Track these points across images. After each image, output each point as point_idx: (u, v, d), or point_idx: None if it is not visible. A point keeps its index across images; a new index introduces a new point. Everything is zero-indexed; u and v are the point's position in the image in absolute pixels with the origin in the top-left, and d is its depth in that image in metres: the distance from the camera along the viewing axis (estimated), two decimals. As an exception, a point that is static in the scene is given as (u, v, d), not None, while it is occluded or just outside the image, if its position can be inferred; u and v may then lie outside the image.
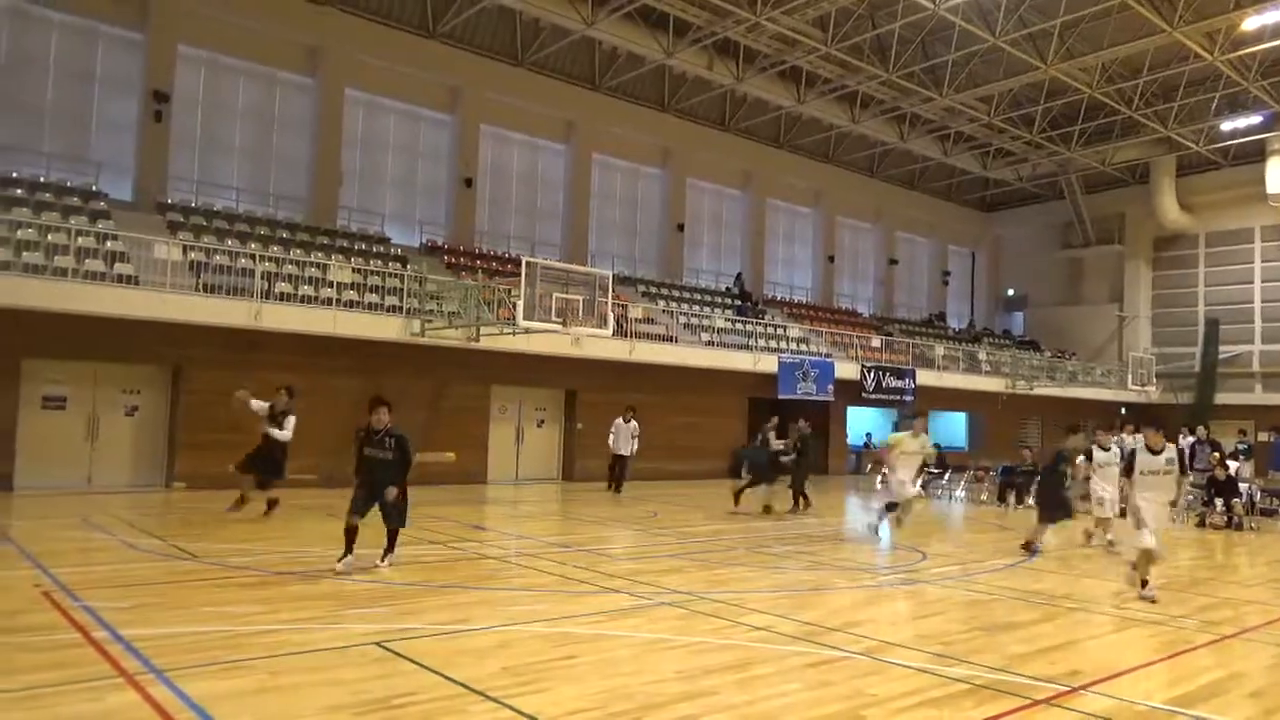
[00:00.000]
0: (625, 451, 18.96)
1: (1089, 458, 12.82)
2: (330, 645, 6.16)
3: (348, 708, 4.81)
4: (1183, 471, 9.17)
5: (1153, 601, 8.52)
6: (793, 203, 33.65)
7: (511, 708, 4.90)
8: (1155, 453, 8.98)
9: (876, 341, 29.84)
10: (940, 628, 7.32)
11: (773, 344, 26.09)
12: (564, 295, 16.87)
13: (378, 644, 6.11)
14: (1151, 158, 34.15)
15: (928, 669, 5.97)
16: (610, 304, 18.04)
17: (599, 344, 19.69)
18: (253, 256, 17.49)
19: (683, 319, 25.22)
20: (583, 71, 27.32)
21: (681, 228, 29.80)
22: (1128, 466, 9.16)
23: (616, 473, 18.94)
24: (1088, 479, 12.89)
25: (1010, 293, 42.07)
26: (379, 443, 8.83)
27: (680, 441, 22.73)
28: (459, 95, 24.97)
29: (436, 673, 5.53)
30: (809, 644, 6.58)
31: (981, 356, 32.02)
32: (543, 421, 22.25)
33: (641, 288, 26.55)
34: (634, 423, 19.05)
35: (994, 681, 5.73)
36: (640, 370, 21.90)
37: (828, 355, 26.51)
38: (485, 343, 18.82)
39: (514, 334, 18.03)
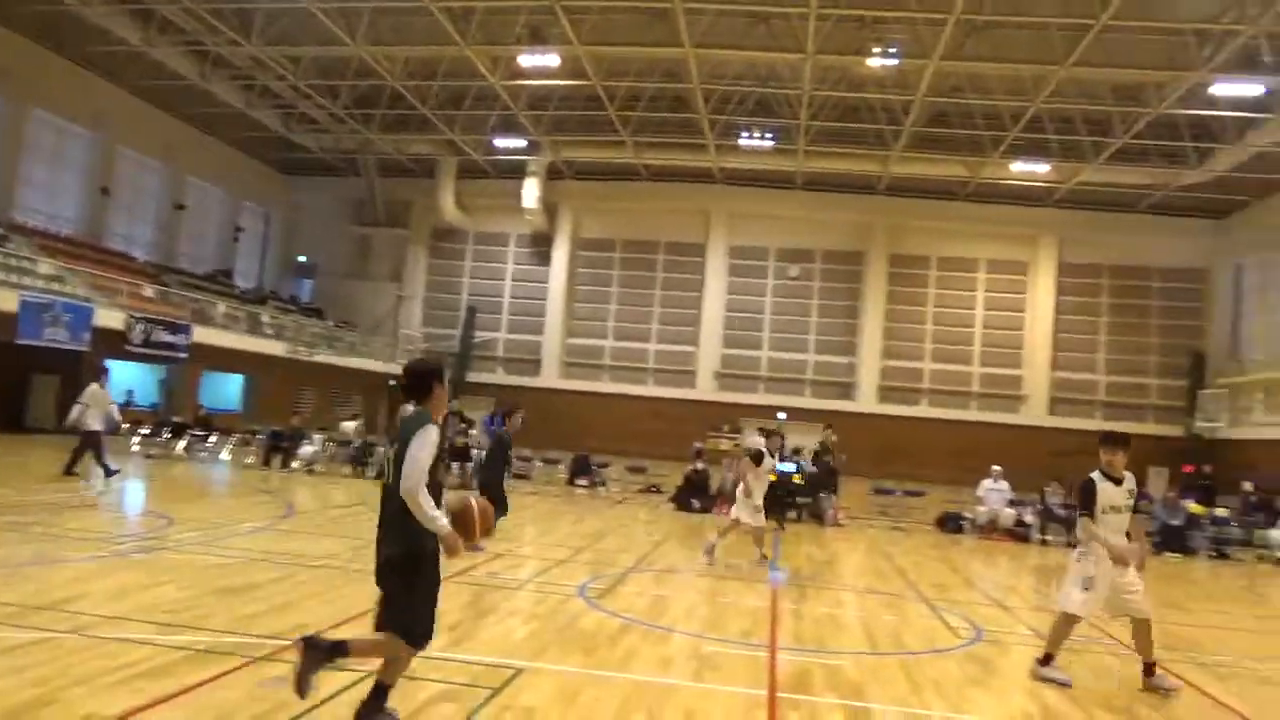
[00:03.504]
0: (98, 426, 14.10)
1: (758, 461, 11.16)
2: None
3: None
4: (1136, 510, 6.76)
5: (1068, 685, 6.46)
6: (66, 118, 28.86)
7: None
8: (1117, 482, 6.58)
9: (150, 290, 27.33)
10: (170, 596, 7.00)
11: (15, 278, 22.01)
12: None
13: None
14: (438, 156, 37.69)
15: (149, 640, 5.65)
16: None
17: None
18: None
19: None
20: None
21: (-105, 115, 23.31)
22: (1088, 502, 6.50)
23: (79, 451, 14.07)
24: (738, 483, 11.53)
25: (302, 259, 42.43)
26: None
27: None
28: None
29: None
30: (5, 628, 5.70)
31: (265, 319, 31.65)
32: None
33: None
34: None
35: (217, 644, 5.69)
36: None
37: (87, 299, 23.37)
38: None
39: None
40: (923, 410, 37.02)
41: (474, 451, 18.53)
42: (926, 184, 36.04)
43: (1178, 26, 22.70)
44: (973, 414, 36.56)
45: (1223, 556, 16.48)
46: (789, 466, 17.93)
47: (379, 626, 4.46)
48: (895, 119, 30.34)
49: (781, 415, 35.11)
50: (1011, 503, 17.52)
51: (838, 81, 28.23)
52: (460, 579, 8.65)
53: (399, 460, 4.23)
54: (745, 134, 31.75)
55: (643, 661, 6.24)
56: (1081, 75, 25.34)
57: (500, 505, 10.30)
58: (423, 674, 5.44)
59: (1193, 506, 17.66)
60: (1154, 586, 12.71)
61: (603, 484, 20.17)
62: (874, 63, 24.85)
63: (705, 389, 38.72)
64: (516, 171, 37.70)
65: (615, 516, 15.65)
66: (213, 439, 20.97)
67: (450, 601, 7.61)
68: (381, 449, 7.19)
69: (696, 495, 17.38)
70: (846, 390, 38.25)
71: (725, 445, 29.80)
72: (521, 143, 34.67)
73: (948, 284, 38.58)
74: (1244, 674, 7.26)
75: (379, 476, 4.47)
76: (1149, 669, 6.50)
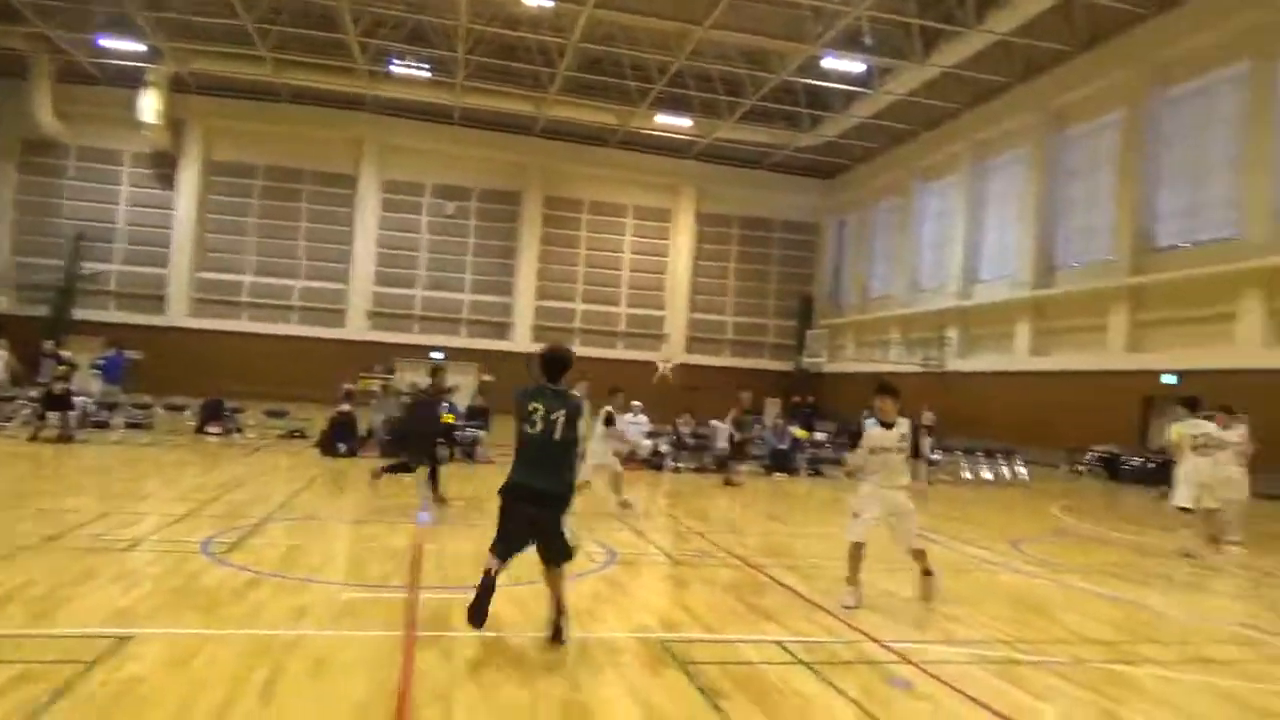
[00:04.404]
0: None
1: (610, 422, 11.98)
2: None
3: None
4: (915, 454, 7.48)
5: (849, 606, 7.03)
6: None
7: None
8: (888, 427, 7.31)
9: None
10: None
11: None
12: None
13: None
14: (29, 52, 31.96)
15: None
16: None
17: None
18: None
19: None
20: None
21: None
22: (852, 443, 7.56)
23: None
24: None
25: None
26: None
27: None
28: None
29: None
30: None
31: None
32: None
33: None
34: None
35: None
36: None
37: None
38: None
39: None
40: (575, 349, 38.47)
41: (77, 400, 16.26)
42: (580, 129, 37.04)
43: (798, 1, 25.12)
44: (620, 353, 38.67)
45: (819, 474, 19.06)
46: (441, 406, 17.82)
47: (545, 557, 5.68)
48: (551, 62, 30.72)
49: (437, 355, 34.73)
50: (649, 434, 18.83)
51: (493, 17, 27.93)
52: (58, 542, 7.61)
53: (569, 424, 5.64)
54: (398, 61, 30.47)
55: (272, 615, 5.91)
56: (718, 38, 27.29)
57: (431, 459, 11.18)
58: (-5, 655, 4.72)
59: (797, 431, 20.18)
60: (763, 504, 14.40)
61: (238, 430, 18.71)
62: (530, 2, 24.89)
63: (356, 328, 37.22)
64: (132, 80, 33.09)
65: (251, 465, 14.59)
66: None
67: (38, 569, 6.67)
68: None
69: (343, 438, 16.72)
70: (502, 330, 38.73)
71: (377, 386, 28.82)
72: (137, 47, 30.43)
73: (599, 228, 40.21)
74: (826, 573, 8.45)
75: (544, 429, 5.62)
76: (929, 573, 7.46)
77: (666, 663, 5.37)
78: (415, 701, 4.51)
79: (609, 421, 11.97)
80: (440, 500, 11.10)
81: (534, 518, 5.60)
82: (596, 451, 11.70)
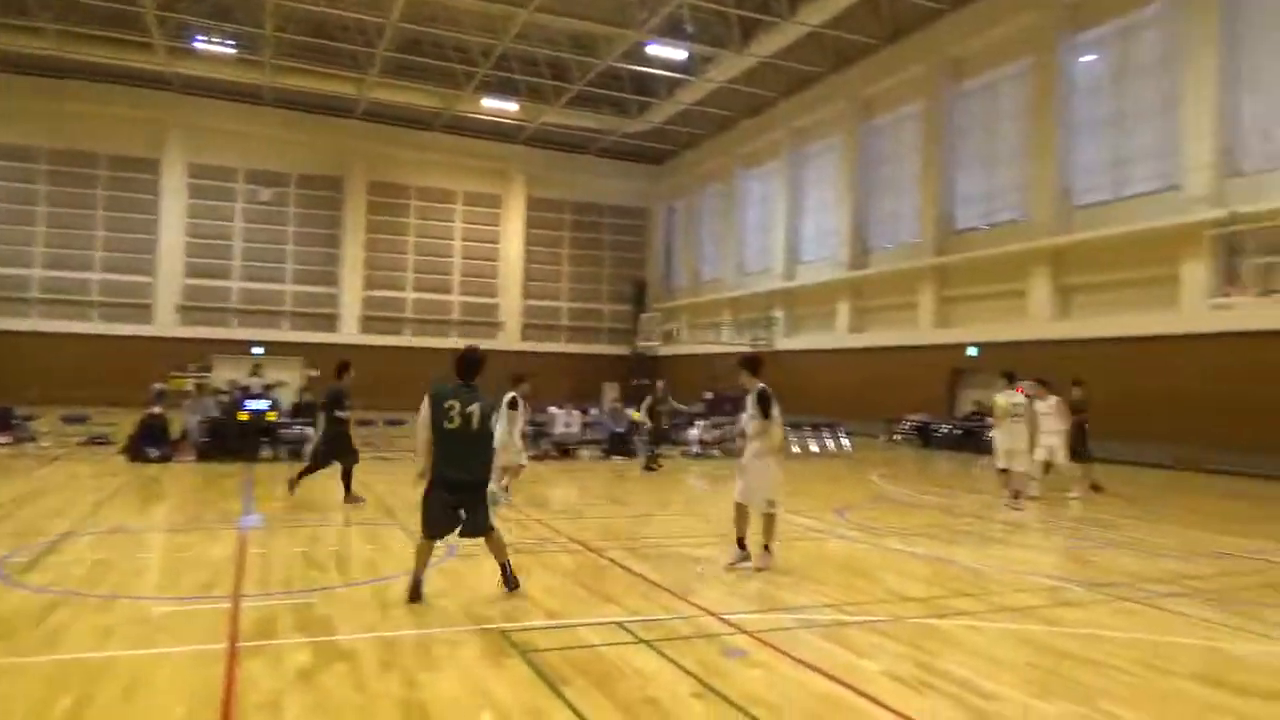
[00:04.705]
0: None
1: None
2: None
3: None
4: (764, 416, 7.80)
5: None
6: None
7: None
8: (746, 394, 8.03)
9: None
10: None
11: None
12: None
13: None
14: None
15: None
16: None
17: None
18: None
19: None
20: None
21: None
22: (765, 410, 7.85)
23: None
24: None
25: None
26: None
27: None
28: None
29: None
30: None
31: None
32: None
33: None
34: None
35: None
36: None
37: None
38: None
39: None
40: (405, 340, 37.53)
41: None
42: (404, 112, 35.98)
43: (622, -14, 25.30)
44: (454, 342, 37.92)
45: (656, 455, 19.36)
46: (263, 404, 16.98)
47: (465, 531, 6.53)
48: (370, 42, 29.64)
49: (258, 350, 33.02)
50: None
51: (304, -7, 26.65)
52: None
53: (486, 418, 6.41)
54: (201, 37, 28.58)
55: (75, 638, 5.44)
56: (543, 21, 27.11)
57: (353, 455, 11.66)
58: None
59: (634, 414, 20.43)
60: (604, 488, 14.53)
61: (31, 439, 17.12)
62: (343, -22, 23.88)
63: (165, 324, 34.80)
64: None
65: (47, 476, 13.38)
66: None
67: None
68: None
69: (154, 442, 15.59)
70: (328, 321, 37.22)
71: (190, 385, 27.03)
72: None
73: (427, 214, 39.24)
74: (667, 552, 8.64)
75: (462, 424, 6.28)
76: (765, 548, 7.85)
77: (508, 653, 5.33)
78: (241, 712, 4.28)
79: (513, 405, 11.82)
80: (290, 487, 11.25)
81: (455, 504, 6.41)
82: (500, 436, 11.13)
